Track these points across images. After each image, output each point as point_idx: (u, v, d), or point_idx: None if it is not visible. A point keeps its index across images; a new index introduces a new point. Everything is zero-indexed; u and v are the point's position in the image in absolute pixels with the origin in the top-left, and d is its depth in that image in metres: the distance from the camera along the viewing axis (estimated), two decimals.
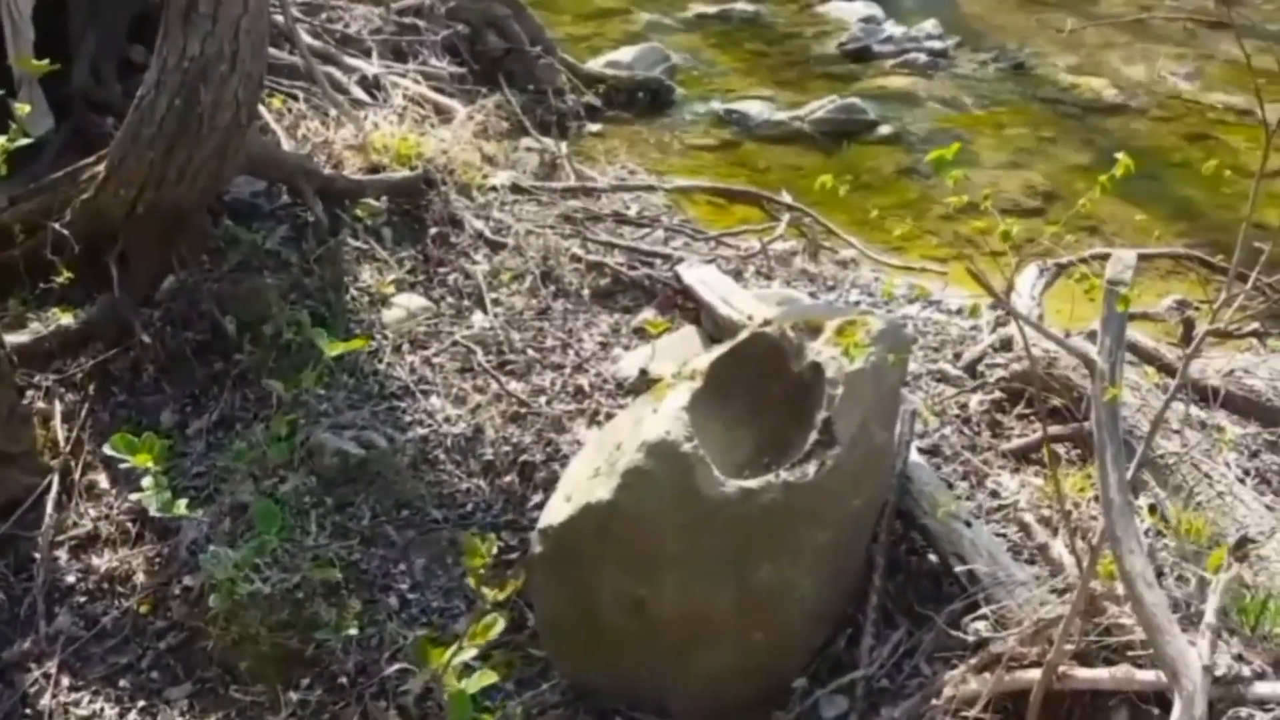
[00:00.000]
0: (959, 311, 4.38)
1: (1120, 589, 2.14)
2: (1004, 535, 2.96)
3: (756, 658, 2.44)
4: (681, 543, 2.33)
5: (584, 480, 2.42)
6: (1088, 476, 3.15)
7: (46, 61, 3.50)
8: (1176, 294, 4.65)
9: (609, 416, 3.52)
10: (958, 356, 3.95)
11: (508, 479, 3.30)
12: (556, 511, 2.46)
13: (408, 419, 3.49)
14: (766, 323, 2.67)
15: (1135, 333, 3.97)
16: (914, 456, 2.91)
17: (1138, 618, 2.04)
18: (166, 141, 3.36)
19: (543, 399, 3.58)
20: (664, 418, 2.37)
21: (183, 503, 2.98)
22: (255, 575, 2.92)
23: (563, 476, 2.68)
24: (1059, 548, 2.59)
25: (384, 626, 2.89)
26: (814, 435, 2.38)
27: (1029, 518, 2.80)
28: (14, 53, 4.08)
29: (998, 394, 3.63)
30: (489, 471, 3.33)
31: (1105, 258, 4.76)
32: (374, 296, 3.88)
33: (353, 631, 2.78)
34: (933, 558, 2.76)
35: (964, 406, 3.62)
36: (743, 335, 2.63)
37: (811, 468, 2.35)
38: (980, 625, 2.25)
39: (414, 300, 3.91)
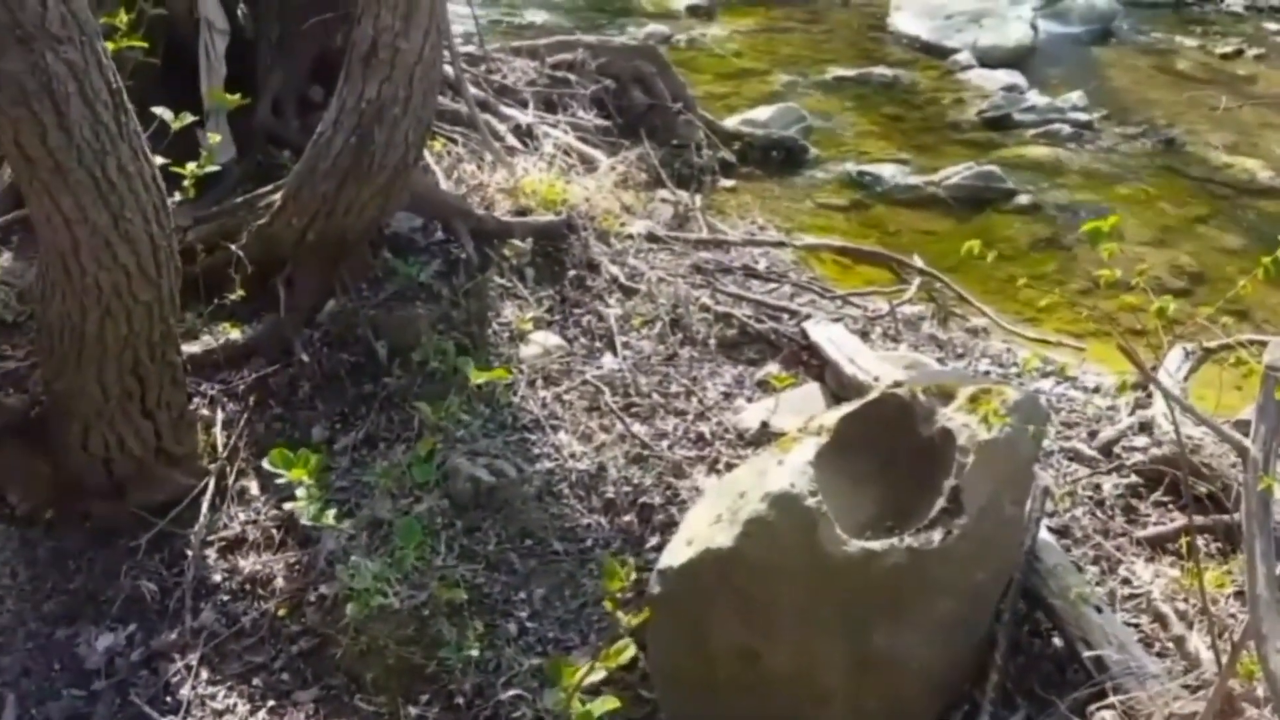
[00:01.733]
0: (1096, 390, 4.24)
1: (1261, 691, 2.04)
2: (1135, 625, 2.84)
3: None
4: (799, 597, 2.33)
5: (705, 526, 2.45)
6: (1228, 572, 3.00)
7: (236, 96, 3.78)
8: None
9: (729, 466, 3.54)
10: (1093, 436, 3.83)
11: (627, 518, 3.35)
12: (677, 554, 2.50)
13: (536, 451, 3.59)
14: (897, 384, 2.66)
15: None
16: (1044, 535, 2.83)
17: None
18: (339, 176, 3.57)
19: (664, 443, 3.63)
20: (789, 470, 2.39)
21: (331, 513, 3.12)
22: (388, 589, 3.03)
23: (683, 521, 2.71)
24: (1196, 642, 2.48)
25: (502, 651, 2.95)
26: (941, 502, 2.35)
27: (1165, 608, 2.68)
28: (206, 86, 4.41)
29: (1134, 478, 3.51)
30: (609, 509, 3.39)
31: (1257, 344, 4.61)
32: (514, 332, 4.01)
33: (473, 653, 2.85)
34: (1058, 641, 2.67)
35: (1098, 488, 3.51)
36: (872, 395, 2.62)
37: (937, 535, 2.32)
38: (1107, 716, 2.16)
39: (550, 338, 4.02)
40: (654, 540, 3.30)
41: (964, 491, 2.35)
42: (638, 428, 3.69)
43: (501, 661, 2.94)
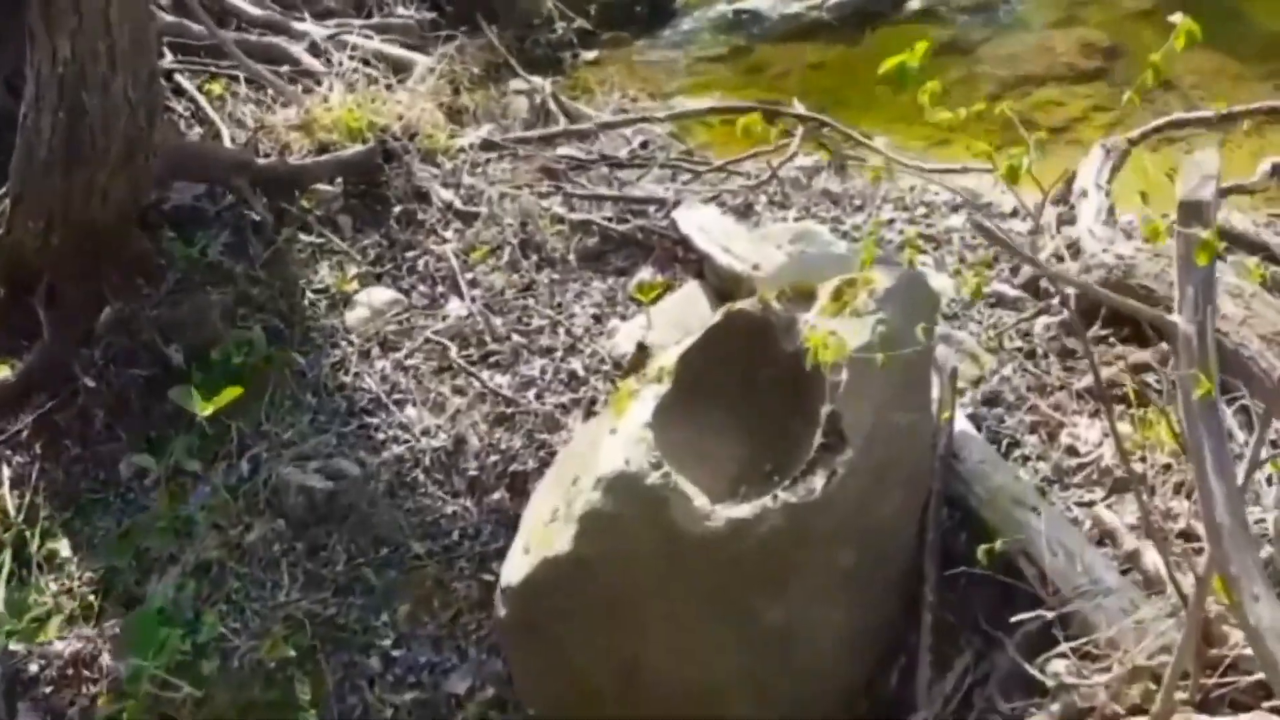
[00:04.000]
0: (1014, 214, 3.80)
1: None
2: (1089, 505, 2.47)
3: (785, 709, 2.02)
4: (666, 589, 1.92)
5: (541, 526, 2.03)
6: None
7: None
8: (1273, 154, 3.98)
9: (606, 401, 3.10)
10: (1015, 272, 3.41)
11: (496, 496, 2.93)
12: (515, 567, 2.08)
13: (381, 437, 3.12)
14: (745, 282, 2.20)
15: (1229, 213, 3.38)
16: (960, 426, 2.42)
17: (1271, 681, 1.55)
18: (61, 163, 2.98)
19: (532, 393, 3.17)
20: (623, 441, 1.96)
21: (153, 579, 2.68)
22: (221, 646, 2.60)
23: (523, 518, 2.27)
24: (1154, 558, 2.10)
25: (365, 694, 2.55)
26: (818, 437, 1.92)
27: (1113, 521, 2.28)
28: None
29: (1067, 314, 3.09)
30: (475, 489, 2.96)
31: (1182, 125, 4.17)
32: (335, 296, 3.50)
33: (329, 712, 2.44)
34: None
35: (1027, 336, 3.10)
36: (715, 318, 2.18)
37: (818, 480, 1.91)
38: (1061, 666, 1.78)
39: (381, 294, 3.51)
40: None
41: (842, 417, 1.92)
42: (499, 380, 3.23)
43: (368, 706, 2.53)
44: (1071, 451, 2.62)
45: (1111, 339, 3.00)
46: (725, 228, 3.36)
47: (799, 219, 3.75)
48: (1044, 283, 3.28)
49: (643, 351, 3.16)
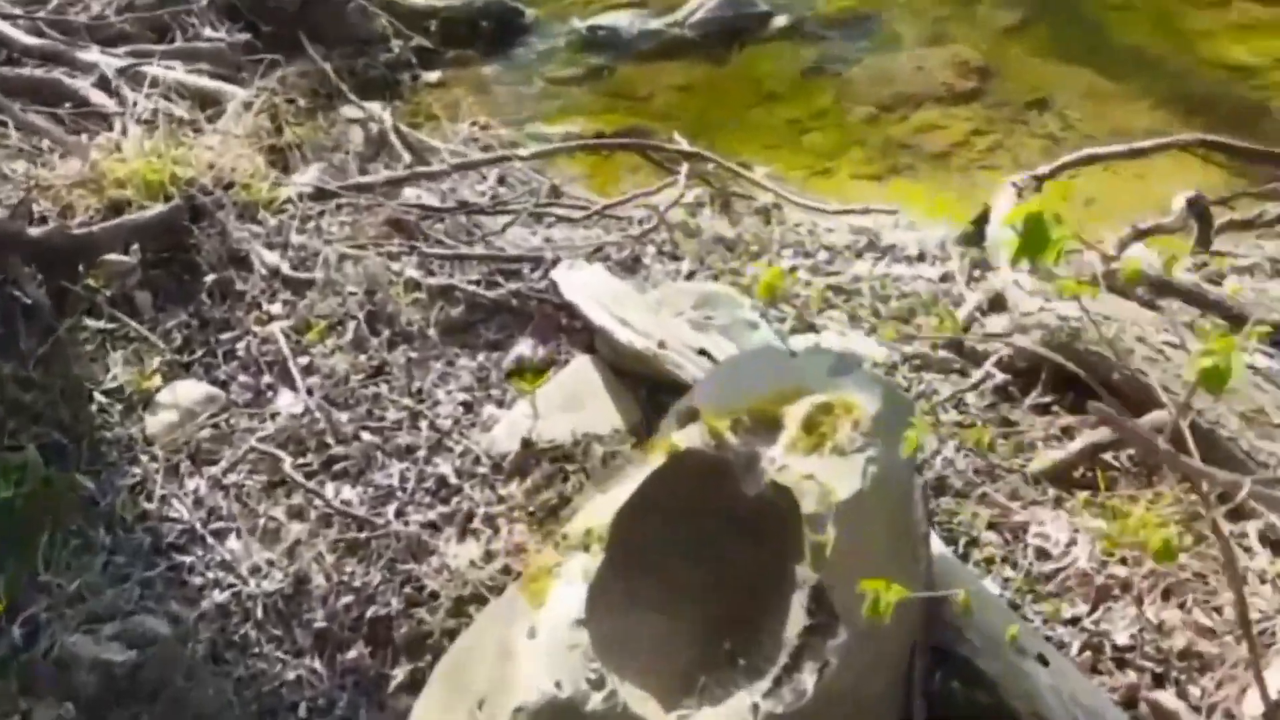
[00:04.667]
0: (921, 258, 3.46)
1: None
2: (1075, 623, 2.10)
3: None
4: None
5: None
6: (1174, 502, 2.29)
7: None
8: (1180, 187, 3.76)
9: (488, 519, 2.56)
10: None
11: (352, 653, 2.34)
12: None
13: (197, 582, 2.50)
14: (688, 414, 1.73)
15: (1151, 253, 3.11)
16: (936, 548, 2.00)
17: None
18: None
19: (390, 509, 2.61)
20: (547, 650, 1.47)
21: None
22: None
23: None
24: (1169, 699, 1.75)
25: None
26: (801, 618, 1.47)
27: (1174, 704, 1.89)
28: None
29: (1000, 376, 2.75)
30: (324, 645, 2.38)
31: (1089, 162, 3.93)
32: (132, 398, 2.84)
33: None
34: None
35: (960, 405, 2.73)
36: (654, 463, 1.70)
37: (807, 678, 1.47)
38: None
39: (191, 391, 2.87)
40: (400, 674, 2.31)
41: (832, 590, 1.47)
42: (347, 494, 2.66)
43: None
44: (1042, 555, 2.26)
45: (1055, 407, 2.67)
46: (615, 291, 2.87)
47: (693, 272, 3.30)
48: (971, 342, 2.92)
49: (529, 448, 2.66)
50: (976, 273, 3.25)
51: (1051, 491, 2.46)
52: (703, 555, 1.72)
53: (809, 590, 1.58)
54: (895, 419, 1.70)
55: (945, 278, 3.28)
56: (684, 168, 3.82)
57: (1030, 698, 1.78)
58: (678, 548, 1.71)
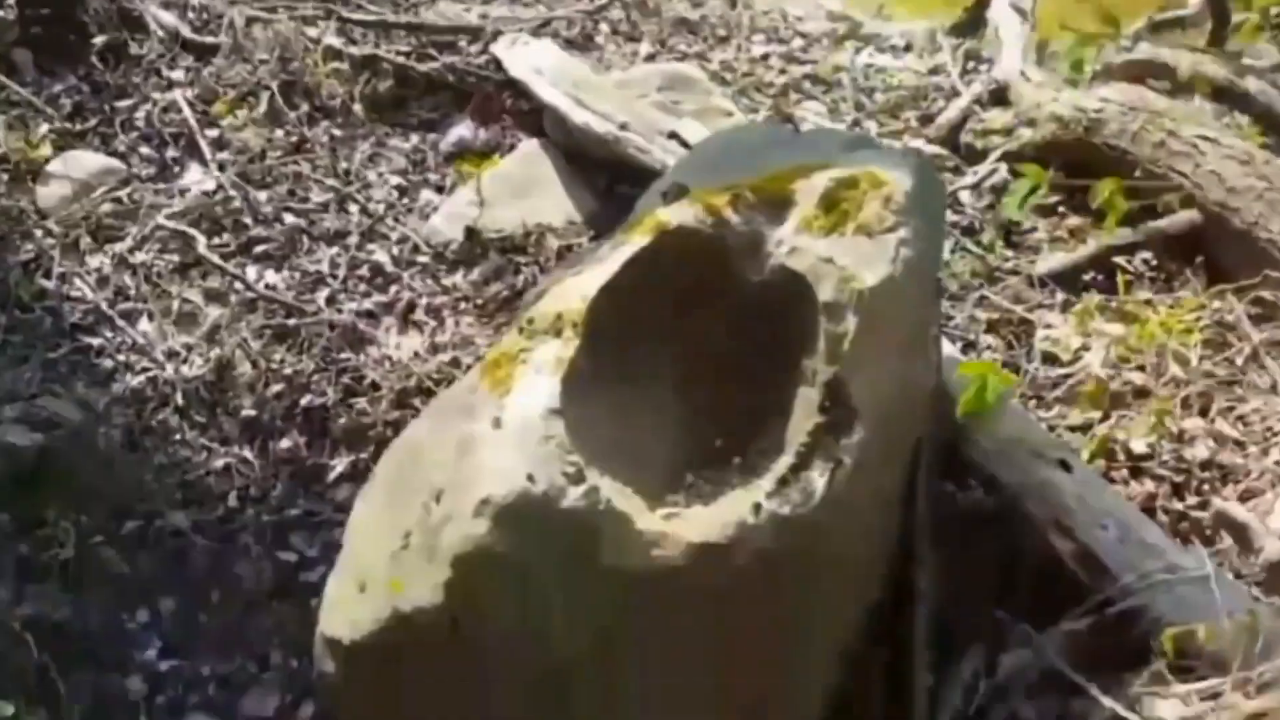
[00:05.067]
0: (908, 49, 3.57)
1: None
2: (1084, 430, 2.24)
3: None
4: (599, 652, 1.54)
5: (385, 555, 1.60)
6: (1199, 307, 2.42)
7: None
8: None
9: (432, 310, 2.68)
10: (927, 120, 3.19)
11: (286, 442, 2.46)
12: (349, 611, 1.64)
13: (107, 365, 2.57)
14: (678, 190, 1.81)
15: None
16: (946, 349, 2.13)
17: None
18: None
19: (321, 296, 2.69)
20: (517, 440, 1.51)
21: None
22: None
23: (346, 534, 1.85)
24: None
25: None
26: (811, 414, 1.57)
27: (1244, 516, 1.97)
28: None
29: (1000, 174, 2.90)
30: (253, 433, 2.47)
31: None
32: (19, 168, 2.84)
33: None
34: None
35: (956, 202, 2.88)
36: (637, 240, 1.74)
37: (818, 477, 1.54)
38: (1165, 710, 1.48)
39: (86, 161, 2.89)
40: (339, 464, 2.45)
41: (850, 384, 1.59)
42: (271, 278, 2.72)
43: None
44: (1050, 360, 2.39)
45: (1061, 208, 2.82)
46: (569, 69, 2.93)
47: (654, 55, 3.37)
48: (965, 135, 3.07)
49: (473, 237, 2.76)
50: (971, 65, 3.36)
51: (1060, 295, 2.55)
52: (691, 347, 1.75)
53: (822, 384, 1.58)
54: (930, 199, 1.75)
55: (936, 70, 3.38)
56: None
57: (1051, 505, 1.79)
58: (662, 337, 1.73)
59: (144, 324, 2.62)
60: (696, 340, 1.75)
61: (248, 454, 2.44)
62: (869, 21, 3.76)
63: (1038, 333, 2.41)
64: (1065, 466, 1.86)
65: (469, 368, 2.53)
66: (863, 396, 1.62)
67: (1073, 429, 2.21)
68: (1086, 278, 2.58)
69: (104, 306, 2.63)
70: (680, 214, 1.80)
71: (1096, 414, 2.20)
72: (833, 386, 1.62)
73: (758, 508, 1.51)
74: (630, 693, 1.53)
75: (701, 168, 2.01)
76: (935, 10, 3.98)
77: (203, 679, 2.16)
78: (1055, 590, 1.75)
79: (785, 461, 1.56)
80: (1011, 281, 2.61)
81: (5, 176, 2.81)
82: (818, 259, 1.67)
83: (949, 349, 2.25)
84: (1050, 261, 2.62)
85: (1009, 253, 2.70)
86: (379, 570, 1.58)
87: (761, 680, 1.60)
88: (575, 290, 1.76)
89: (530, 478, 1.48)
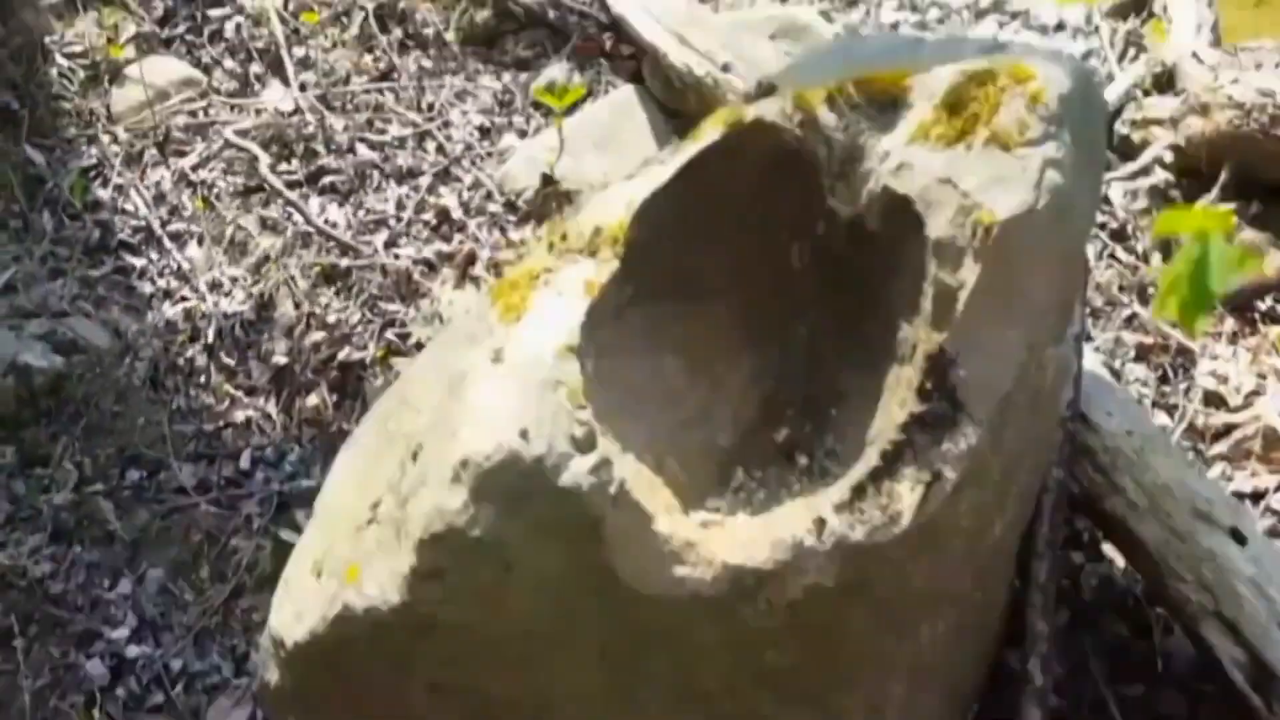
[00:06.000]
0: (1060, 28, 2.86)
1: None
2: (1258, 498, 1.63)
3: None
4: (599, 684, 1.03)
5: (348, 529, 1.13)
6: None
7: None
8: None
9: (493, 266, 2.16)
10: None
11: (313, 400, 2.00)
12: (298, 601, 1.19)
13: (146, 289, 2.17)
14: (764, 88, 1.25)
15: None
16: (1089, 365, 1.53)
17: None
18: None
19: (380, 238, 2.22)
20: (518, 384, 1.05)
21: None
22: None
23: (323, 489, 1.35)
24: None
25: None
26: (905, 402, 1.02)
27: None
28: None
29: (1159, 174, 2.21)
30: (282, 385, 2.04)
31: None
32: (98, 67, 2.42)
33: None
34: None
35: (1107, 203, 2.21)
36: (708, 133, 1.19)
37: (905, 495, 1.01)
38: None
39: (167, 68, 2.48)
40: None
41: (961, 361, 1.01)
42: (333, 214, 2.28)
43: None
44: (1214, 401, 1.76)
45: (1238, 218, 2.13)
46: (679, 10, 2.34)
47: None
48: (1121, 125, 2.37)
49: (550, 187, 2.22)
50: (1132, 51, 2.65)
51: (1230, 322, 1.95)
52: (757, 290, 1.21)
53: (923, 360, 1.05)
54: (1090, 113, 1.18)
55: (1090, 54, 2.70)
56: None
57: (1213, 588, 1.26)
58: (722, 273, 1.21)
59: (192, 248, 2.21)
60: (765, 282, 1.20)
61: (271, 409, 2.02)
62: None
63: (1200, 365, 1.77)
64: (1238, 537, 1.28)
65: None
66: (977, 384, 1.08)
67: (1239, 496, 1.58)
68: (1264, 305, 1.92)
69: (155, 225, 2.23)
70: (763, 107, 1.26)
71: (1272, 480, 1.56)
72: (935, 364, 1.08)
73: (821, 525, 1.02)
74: None
75: (802, 70, 1.47)
76: None
77: (170, 674, 1.72)
78: (1207, 710, 1.17)
79: (864, 467, 1.07)
80: None
81: (82, 75, 2.42)
82: (933, 179, 1.12)
83: (1093, 360, 1.63)
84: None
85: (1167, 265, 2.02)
86: (341, 549, 1.12)
87: None
88: (620, 199, 1.26)
89: (524, 434, 1.02)
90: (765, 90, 1.26)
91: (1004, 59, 1.18)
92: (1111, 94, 2.50)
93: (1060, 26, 2.96)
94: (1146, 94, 2.45)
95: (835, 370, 1.20)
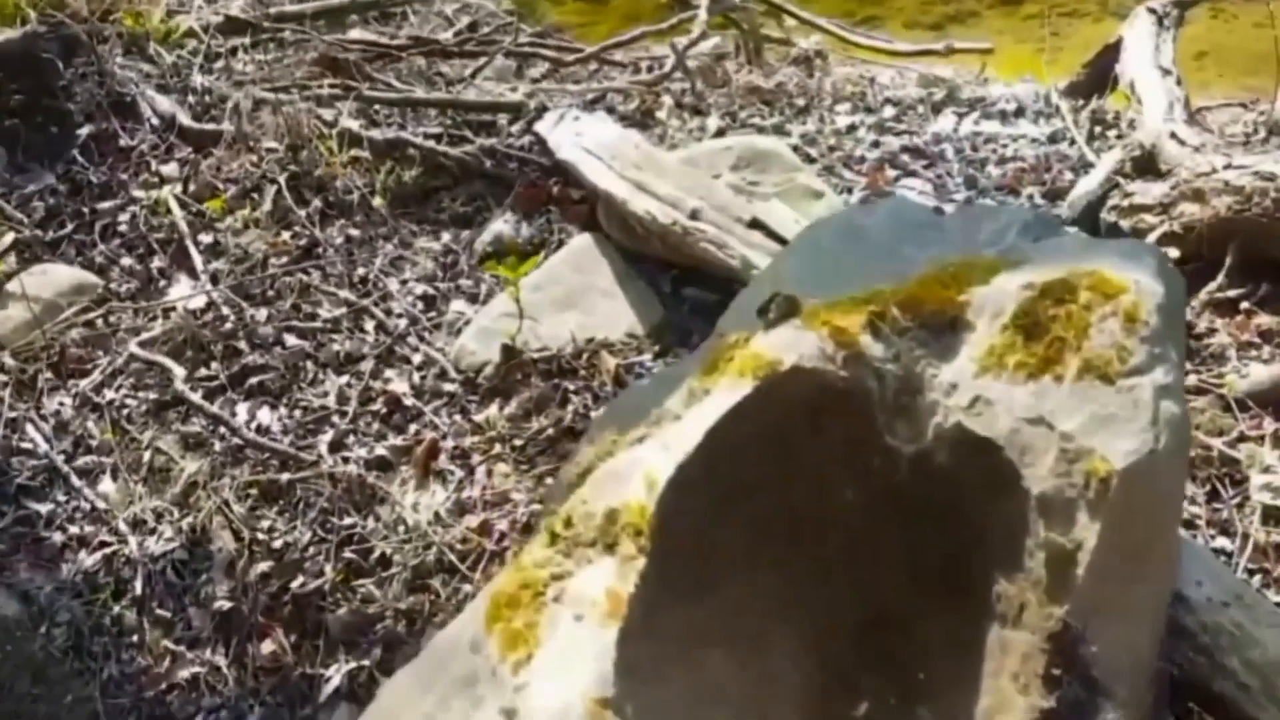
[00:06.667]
0: (1019, 114, 2.81)
1: None
2: None
3: None
4: None
5: None
6: None
7: None
8: None
9: (459, 455, 1.95)
10: (1055, 197, 2.42)
11: (268, 646, 1.72)
12: None
13: (57, 539, 1.88)
14: (783, 308, 1.08)
15: None
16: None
17: None
18: None
19: (324, 441, 1.97)
20: None
21: None
22: None
23: None
24: None
25: None
26: (1031, 692, 0.84)
27: None
28: None
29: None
30: (229, 632, 1.75)
31: None
32: None
33: None
34: None
35: None
36: (729, 391, 1.01)
37: None
38: None
39: (56, 276, 2.22)
40: (335, 676, 1.72)
41: (1089, 631, 0.83)
42: (265, 419, 2.02)
43: None
44: (1274, 517, 1.61)
45: (1245, 304, 2.03)
46: (628, 150, 2.20)
47: (724, 130, 2.63)
48: (1108, 214, 2.28)
49: (511, 356, 2.03)
50: (1099, 130, 2.59)
51: (1269, 423, 1.79)
52: (803, 550, 1.03)
53: (1045, 638, 0.90)
54: (1179, 316, 1.03)
55: (1056, 137, 2.63)
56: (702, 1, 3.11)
57: None
58: (756, 540, 1.03)
59: (105, 483, 1.94)
60: (822, 556, 0.98)
61: (220, 661, 1.73)
62: (966, 85, 3.00)
63: (1253, 479, 1.60)
64: None
65: (503, 538, 1.81)
66: (1113, 658, 0.91)
67: None
68: None
69: (59, 462, 1.95)
70: (793, 344, 1.08)
71: None
72: (1061, 643, 0.91)
73: None
74: None
75: (813, 269, 1.30)
76: (1036, 70, 3.22)
77: None
78: None
79: None
80: (1199, 404, 1.82)
81: None
82: (1021, 419, 0.97)
83: (1223, 571, 1.45)
84: (1251, 377, 1.82)
85: (1187, 364, 1.89)
86: None
87: None
88: (634, 473, 1.04)
89: None
90: (786, 308, 1.09)
91: (1078, 266, 1.02)
92: (1093, 181, 2.41)
93: (1020, 112, 2.91)
94: (1127, 178, 2.38)
95: (910, 618, 1.00)
